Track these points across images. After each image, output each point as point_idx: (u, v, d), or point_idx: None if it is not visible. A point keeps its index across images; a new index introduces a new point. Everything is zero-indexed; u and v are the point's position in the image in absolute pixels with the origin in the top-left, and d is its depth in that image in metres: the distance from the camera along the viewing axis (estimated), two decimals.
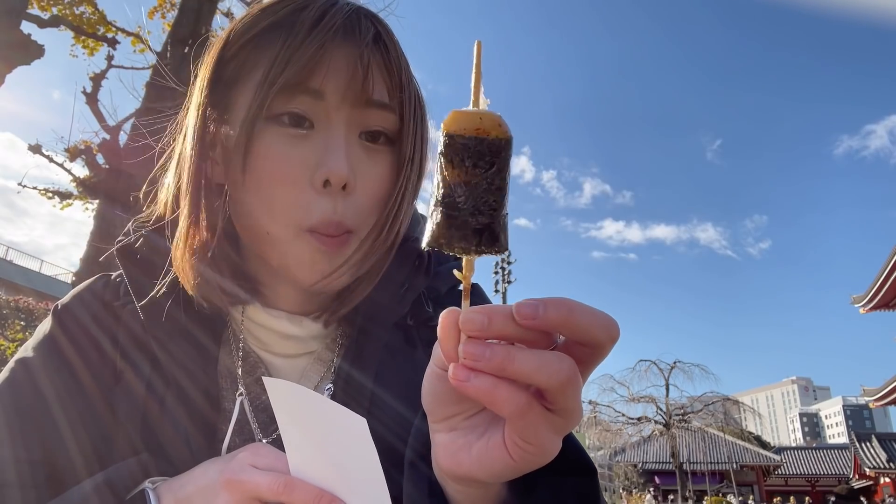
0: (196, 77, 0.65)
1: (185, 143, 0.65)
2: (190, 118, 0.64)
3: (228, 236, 0.66)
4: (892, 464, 29.25)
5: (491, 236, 0.36)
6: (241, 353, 0.68)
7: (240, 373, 0.67)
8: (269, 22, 0.60)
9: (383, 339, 0.67)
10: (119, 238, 0.70)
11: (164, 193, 0.68)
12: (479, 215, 0.35)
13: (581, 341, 0.37)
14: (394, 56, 0.63)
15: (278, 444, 0.58)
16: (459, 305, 0.37)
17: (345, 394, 0.64)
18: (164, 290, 0.65)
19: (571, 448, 0.52)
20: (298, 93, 0.59)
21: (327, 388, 0.66)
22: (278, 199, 0.59)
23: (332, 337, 0.70)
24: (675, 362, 27.52)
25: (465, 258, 0.39)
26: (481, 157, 0.35)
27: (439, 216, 0.36)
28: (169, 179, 0.68)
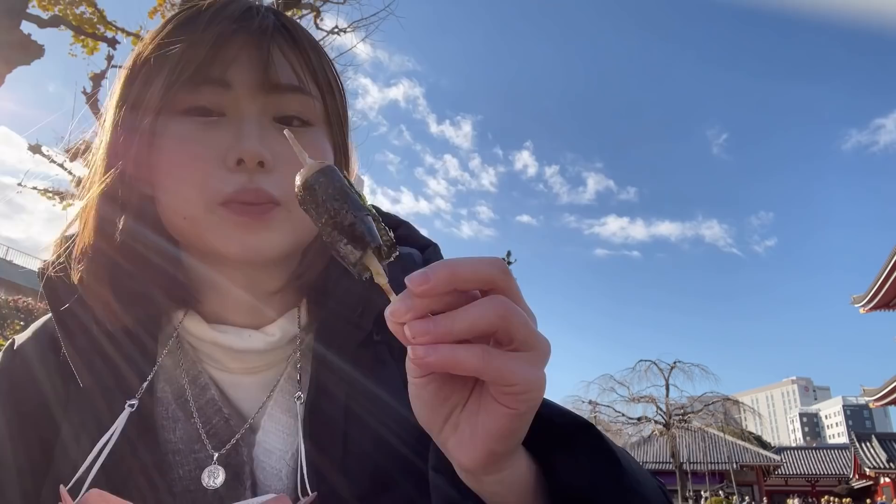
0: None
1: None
2: (106, 123, 0.64)
3: (166, 247, 0.63)
4: (892, 464, 29.27)
5: (362, 241, 0.42)
6: (188, 376, 0.64)
7: (188, 394, 0.62)
8: (175, 22, 0.62)
9: (348, 366, 0.63)
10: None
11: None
12: (351, 228, 0.41)
13: (478, 286, 0.40)
14: (299, 39, 0.64)
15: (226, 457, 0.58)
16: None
17: (312, 424, 0.60)
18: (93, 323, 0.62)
19: (558, 413, 0.53)
20: (203, 84, 0.59)
21: (299, 402, 0.62)
22: (188, 180, 0.58)
23: (286, 355, 0.66)
24: (675, 362, 27.56)
25: (371, 263, 0.42)
26: (328, 186, 0.43)
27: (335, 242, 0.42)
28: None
